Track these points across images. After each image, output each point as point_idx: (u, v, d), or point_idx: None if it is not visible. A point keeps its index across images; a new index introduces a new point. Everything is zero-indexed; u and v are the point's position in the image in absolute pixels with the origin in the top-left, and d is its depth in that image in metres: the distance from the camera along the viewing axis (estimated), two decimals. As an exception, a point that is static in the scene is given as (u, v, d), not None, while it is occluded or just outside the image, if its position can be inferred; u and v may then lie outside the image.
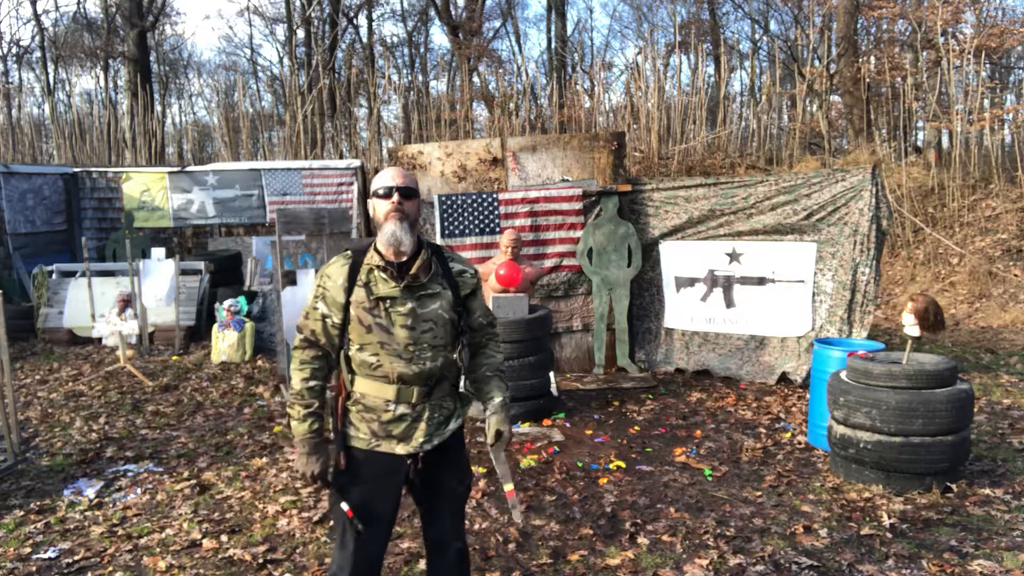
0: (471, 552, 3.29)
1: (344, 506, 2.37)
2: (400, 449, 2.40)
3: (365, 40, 24.72)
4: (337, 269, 2.41)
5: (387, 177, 2.41)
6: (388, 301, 2.36)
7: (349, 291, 2.36)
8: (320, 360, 2.42)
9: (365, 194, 11.57)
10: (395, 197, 2.36)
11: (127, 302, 8.23)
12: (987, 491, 4.13)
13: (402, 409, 2.39)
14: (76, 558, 3.66)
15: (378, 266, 2.37)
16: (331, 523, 3.93)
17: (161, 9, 22.63)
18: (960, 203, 11.30)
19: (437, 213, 7.19)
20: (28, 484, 4.67)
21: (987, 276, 10.08)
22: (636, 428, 5.59)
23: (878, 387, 4.20)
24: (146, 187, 11.27)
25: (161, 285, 8.61)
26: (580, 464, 4.81)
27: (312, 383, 2.39)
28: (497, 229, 7.18)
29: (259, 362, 7.92)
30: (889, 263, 11.06)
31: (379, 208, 2.40)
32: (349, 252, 2.44)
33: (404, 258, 2.38)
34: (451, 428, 2.48)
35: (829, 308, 6.57)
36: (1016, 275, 9.95)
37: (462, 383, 2.58)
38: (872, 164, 6.81)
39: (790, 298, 6.74)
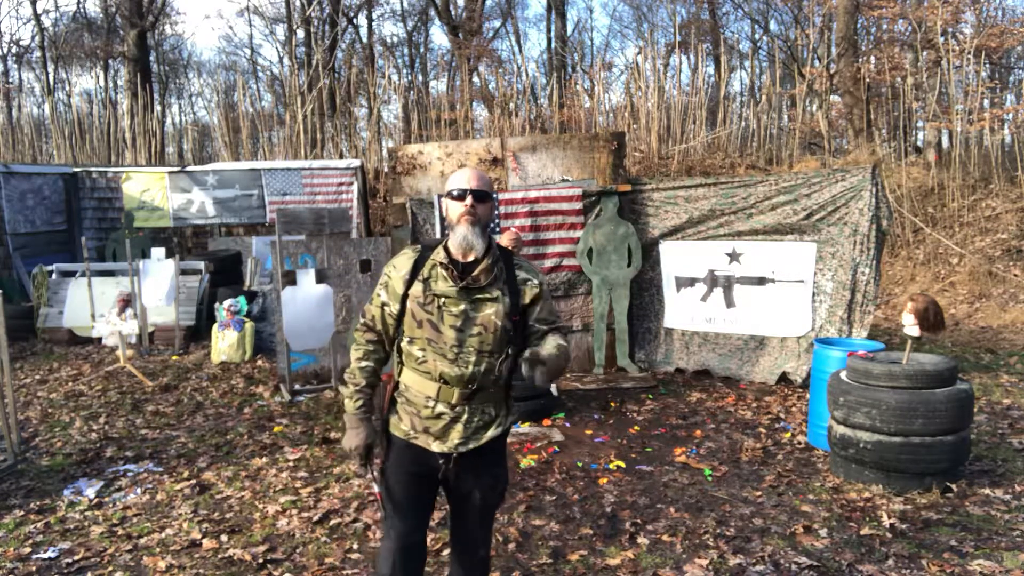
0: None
1: (375, 488, 2.53)
2: (436, 447, 2.42)
3: (365, 40, 24.74)
4: (403, 261, 2.46)
5: (462, 179, 2.42)
6: (443, 299, 2.38)
7: (410, 283, 2.41)
8: (376, 344, 2.50)
9: (365, 194, 11.57)
10: (469, 200, 2.37)
11: (127, 302, 8.22)
12: (987, 491, 4.13)
13: (441, 408, 2.40)
14: (76, 558, 3.66)
15: (441, 263, 2.40)
16: (334, 522, 3.94)
17: (161, 9, 22.64)
18: (960, 203, 11.30)
19: (438, 213, 7.19)
20: (28, 484, 4.66)
21: (987, 276, 10.08)
22: (636, 428, 5.59)
23: (878, 387, 4.20)
24: (146, 187, 11.29)
25: (161, 285, 8.59)
26: (580, 464, 4.81)
27: (364, 364, 2.48)
28: (497, 229, 7.18)
29: (259, 362, 7.91)
30: (889, 263, 11.06)
31: (452, 210, 2.41)
32: (419, 247, 2.50)
33: (471, 259, 2.40)
34: (490, 434, 2.46)
35: (829, 308, 6.57)
36: (1016, 275, 9.95)
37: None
38: (872, 164, 6.80)
39: (790, 298, 6.74)
